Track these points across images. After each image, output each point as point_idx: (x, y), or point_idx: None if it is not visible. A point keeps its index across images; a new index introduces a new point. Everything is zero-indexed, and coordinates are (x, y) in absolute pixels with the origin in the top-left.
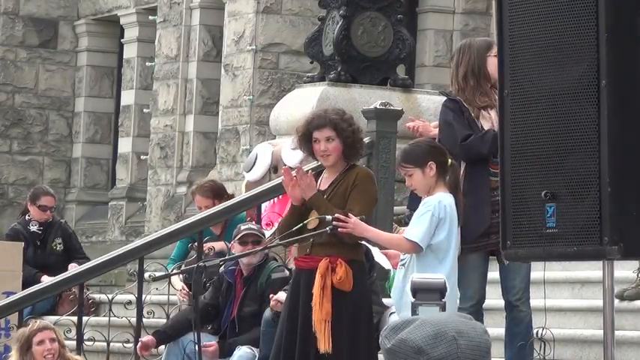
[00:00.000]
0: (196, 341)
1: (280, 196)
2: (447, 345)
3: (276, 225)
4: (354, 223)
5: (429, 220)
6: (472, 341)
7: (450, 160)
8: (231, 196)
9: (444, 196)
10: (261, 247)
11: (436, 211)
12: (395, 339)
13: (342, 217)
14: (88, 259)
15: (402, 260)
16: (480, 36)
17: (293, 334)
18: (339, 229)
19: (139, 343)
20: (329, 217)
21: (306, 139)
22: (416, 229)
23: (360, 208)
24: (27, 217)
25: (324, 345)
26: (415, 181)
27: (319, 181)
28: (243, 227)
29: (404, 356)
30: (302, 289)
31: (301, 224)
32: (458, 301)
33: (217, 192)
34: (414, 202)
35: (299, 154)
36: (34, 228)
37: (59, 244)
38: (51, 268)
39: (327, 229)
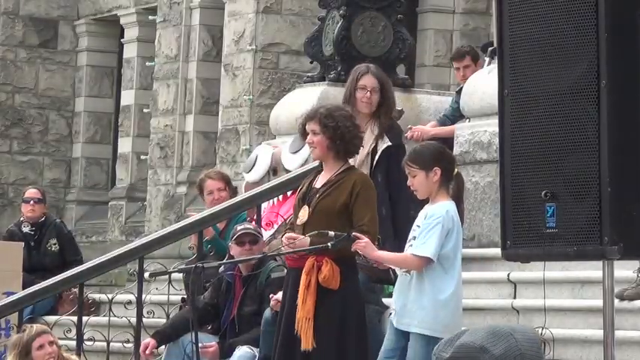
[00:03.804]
0: (194, 341)
1: (280, 197)
2: (505, 341)
3: (275, 226)
4: (367, 243)
5: (439, 233)
6: (527, 335)
7: (456, 169)
8: (236, 188)
9: (450, 205)
10: (260, 255)
11: (445, 222)
12: (454, 347)
13: (358, 235)
14: (81, 262)
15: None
16: (479, 35)
17: (282, 327)
18: (353, 245)
19: (142, 346)
20: (331, 233)
21: (303, 130)
22: (428, 244)
23: (370, 217)
24: (21, 218)
25: (305, 343)
26: (417, 182)
27: (316, 179)
28: (239, 227)
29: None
30: (290, 286)
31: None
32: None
33: (226, 177)
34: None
35: (298, 158)
36: (26, 229)
37: (54, 244)
38: (47, 269)
39: (329, 244)
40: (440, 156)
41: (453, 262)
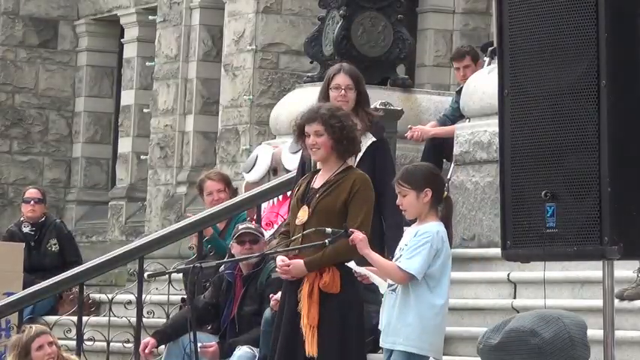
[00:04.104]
0: (193, 341)
1: (280, 197)
2: (555, 324)
3: (275, 226)
4: (363, 239)
5: (427, 252)
6: (574, 319)
7: (445, 192)
8: (236, 189)
9: (440, 226)
10: (258, 254)
11: (434, 242)
12: (502, 332)
13: (354, 229)
14: (80, 263)
15: (391, 286)
16: (479, 35)
17: (282, 333)
18: (350, 239)
19: (141, 345)
20: (328, 230)
21: (300, 132)
22: (414, 261)
23: (363, 218)
24: (21, 218)
25: (309, 349)
26: (407, 202)
27: (314, 179)
28: (241, 227)
29: (517, 344)
30: (289, 289)
31: (300, 234)
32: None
33: (226, 178)
34: None
35: (298, 158)
36: (26, 229)
37: (54, 244)
38: (47, 269)
39: (326, 241)
40: (432, 177)
41: (439, 282)
